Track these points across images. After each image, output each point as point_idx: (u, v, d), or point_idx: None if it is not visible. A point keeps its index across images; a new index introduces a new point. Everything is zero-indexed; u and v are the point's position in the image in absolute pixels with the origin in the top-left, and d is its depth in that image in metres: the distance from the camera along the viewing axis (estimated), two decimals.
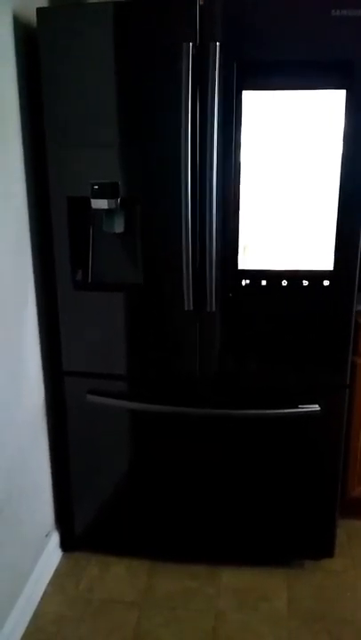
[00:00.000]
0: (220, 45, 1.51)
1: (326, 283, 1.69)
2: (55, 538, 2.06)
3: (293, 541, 2.00)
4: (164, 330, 1.81)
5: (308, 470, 1.89)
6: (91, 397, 1.87)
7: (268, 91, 1.56)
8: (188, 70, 1.52)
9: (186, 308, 1.72)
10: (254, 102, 1.57)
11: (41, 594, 1.93)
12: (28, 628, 1.81)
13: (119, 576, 2.01)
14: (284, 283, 1.70)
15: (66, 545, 2.11)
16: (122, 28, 1.58)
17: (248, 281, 1.71)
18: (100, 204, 1.68)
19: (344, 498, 2.09)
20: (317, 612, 1.85)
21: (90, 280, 1.83)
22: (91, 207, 1.69)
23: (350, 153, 1.58)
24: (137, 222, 1.74)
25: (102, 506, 2.03)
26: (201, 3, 1.53)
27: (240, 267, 1.70)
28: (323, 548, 1.99)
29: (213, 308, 1.72)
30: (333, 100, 1.55)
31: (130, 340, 1.84)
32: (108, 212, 1.73)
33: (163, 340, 1.82)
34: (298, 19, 1.52)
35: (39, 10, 1.58)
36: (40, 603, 1.90)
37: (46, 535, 2.01)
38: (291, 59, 1.55)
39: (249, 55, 1.55)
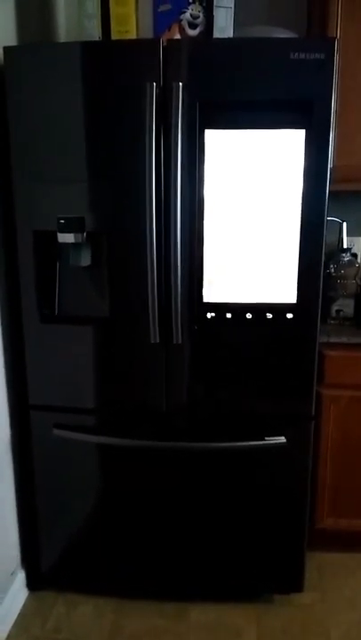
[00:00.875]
0: (183, 86, 1.56)
1: (290, 315, 1.72)
2: (21, 576, 2.01)
3: (262, 575, 1.98)
4: (131, 362, 1.81)
5: (275, 502, 1.88)
6: (57, 432, 1.85)
7: (229, 130, 1.60)
8: (152, 109, 1.56)
9: (152, 341, 1.73)
10: (217, 140, 1.61)
11: (6, 635, 1.87)
12: None
13: (86, 615, 1.97)
14: (249, 315, 1.72)
15: (32, 584, 2.06)
16: (88, 68, 1.61)
17: (213, 314, 1.73)
18: (66, 237, 1.69)
19: (313, 529, 2.09)
20: None
21: (56, 313, 1.83)
22: (57, 241, 1.70)
23: (310, 189, 1.63)
24: (103, 256, 1.76)
25: (69, 543, 1.99)
26: (165, 44, 1.58)
27: (205, 299, 1.72)
28: (292, 581, 1.97)
29: (180, 341, 1.73)
30: (293, 139, 1.60)
31: (97, 373, 1.83)
32: (75, 245, 1.74)
33: (129, 372, 1.82)
34: (258, 61, 1.57)
35: (6, 48, 1.61)
36: None
37: (12, 574, 1.96)
38: (252, 99, 1.59)
39: (211, 95, 1.60)
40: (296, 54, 1.55)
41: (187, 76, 1.58)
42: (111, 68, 1.60)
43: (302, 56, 1.55)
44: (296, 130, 1.59)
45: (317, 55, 1.55)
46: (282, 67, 1.56)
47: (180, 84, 1.55)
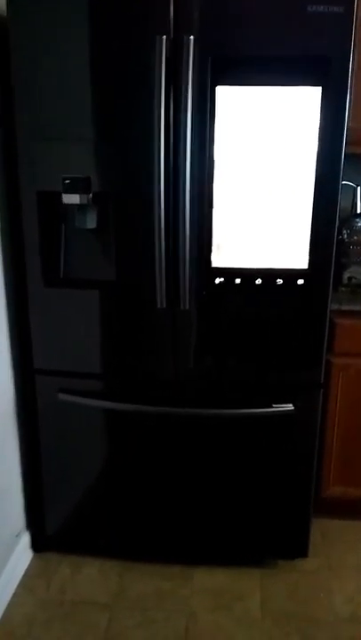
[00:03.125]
0: (195, 39, 1.49)
1: (301, 281, 1.68)
2: (26, 538, 2.03)
3: (267, 541, 1.99)
4: (137, 327, 1.78)
5: (282, 469, 1.88)
6: (62, 396, 1.83)
7: (242, 86, 1.54)
8: (162, 64, 1.49)
9: (159, 306, 1.70)
10: (229, 98, 1.55)
11: (10, 596, 1.89)
12: None
13: (91, 577, 1.99)
14: (259, 281, 1.68)
15: (37, 545, 2.07)
16: (96, 19, 1.54)
17: (222, 279, 1.69)
18: (71, 198, 1.64)
19: (319, 497, 2.09)
20: (291, 613, 1.84)
21: (61, 276, 1.79)
22: (62, 202, 1.65)
23: (326, 150, 1.57)
24: (110, 218, 1.71)
25: (74, 506, 2.00)
26: None
27: (214, 264, 1.68)
28: (297, 547, 1.98)
29: (187, 306, 1.70)
30: (309, 97, 1.53)
31: (102, 338, 1.81)
32: (81, 207, 1.70)
33: (136, 337, 1.79)
34: (274, 15, 1.49)
35: None
36: (9, 605, 1.86)
37: (16, 535, 1.98)
38: (266, 55, 1.52)
39: (224, 50, 1.53)
40: (313, 7, 1.47)
41: (198, 29, 1.50)
42: (119, 21, 1.53)
43: (320, 9, 1.48)
44: (312, 87, 1.52)
45: (336, 8, 1.47)
46: (298, 20, 1.49)
47: (192, 37, 1.48)
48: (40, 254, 1.74)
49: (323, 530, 2.19)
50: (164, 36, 1.49)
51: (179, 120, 1.54)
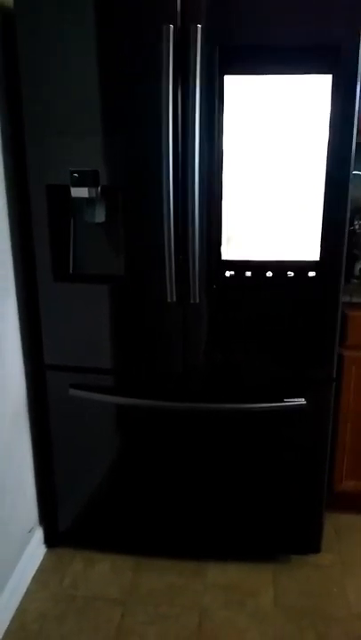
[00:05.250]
0: (202, 28, 1.47)
1: (312, 273, 1.65)
2: (39, 533, 2.03)
3: (280, 536, 1.97)
4: (148, 322, 1.77)
5: (294, 464, 1.86)
6: (73, 392, 1.83)
7: (251, 75, 1.51)
8: (169, 53, 1.47)
9: (169, 300, 1.68)
10: (237, 87, 1.52)
11: (24, 590, 1.90)
12: (10, 625, 1.77)
13: (103, 573, 1.98)
14: (269, 274, 1.66)
15: (50, 541, 2.07)
16: (102, 10, 1.52)
17: (232, 272, 1.67)
18: (80, 192, 1.63)
19: (331, 492, 2.07)
20: (304, 609, 1.83)
21: (71, 271, 1.79)
22: (71, 196, 1.64)
23: (336, 139, 1.54)
24: (119, 212, 1.70)
25: (87, 501, 2.00)
26: None
27: (224, 257, 1.66)
28: (310, 542, 1.96)
29: (197, 300, 1.69)
30: (319, 85, 1.51)
31: (112, 333, 1.80)
32: (89, 201, 1.69)
33: (146, 332, 1.78)
34: (282, 2, 1.47)
35: None
36: (23, 599, 1.87)
37: (29, 531, 1.97)
38: (275, 43, 1.50)
39: (232, 39, 1.51)
40: None
41: (206, 17, 1.48)
42: (126, 10, 1.51)
43: None
44: (322, 75, 1.50)
45: None
46: (307, 7, 1.46)
47: (199, 26, 1.46)
48: (49, 249, 1.73)
49: (336, 525, 2.17)
50: (172, 25, 1.47)
51: (187, 111, 1.52)
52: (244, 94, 1.53)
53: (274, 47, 1.50)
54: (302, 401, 1.76)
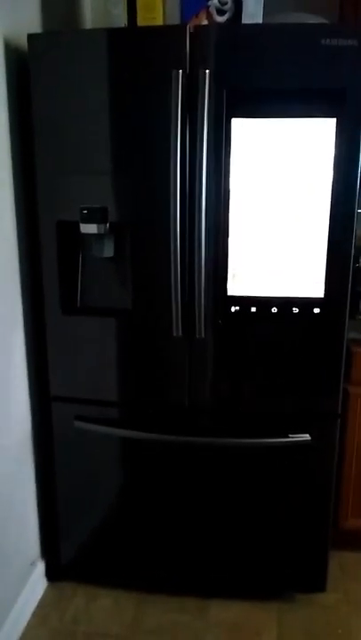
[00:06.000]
0: (210, 73, 1.52)
1: (317, 310, 1.67)
2: (40, 567, 2.02)
3: (285, 574, 1.95)
4: (154, 356, 1.79)
5: (299, 501, 1.85)
6: (78, 424, 1.84)
7: (257, 118, 1.56)
8: (178, 97, 1.52)
9: (174, 334, 1.70)
10: (244, 130, 1.57)
11: (24, 625, 1.88)
12: None
13: (105, 608, 1.96)
14: (274, 310, 1.68)
15: (51, 574, 2.06)
16: (113, 55, 1.58)
17: (238, 307, 1.69)
18: (89, 228, 1.67)
19: (337, 529, 2.05)
20: None
21: (78, 305, 1.81)
22: (80, 231, 1.68)
23: (341, 180, 1.57)
24: (127, 247, 1.73)
25: (90, 535, 1.99)
26: (191, 30, 1.54)
27: (229, 293, 1.69)
28: (314, 581, 1.93)
29: (203, 335, 1.70)
30: (324, 129, 1.55)
31: (119, 366, 1.82)
32: (98, 236, 1.72)
33: (152, 366, 1.80)
34: (288, 48, 1.52)
35: (30, 36, 1.58)
36: (23, 635, 1.84)
37: (31, 564, 1.96)
38: (281, 87, 1.54)
39: (239, 83, 1.55)
40: (328, 40, 1.50)
41: (214, 63, 1.54)
42: (137, 56, 1.56)
43: (334, 42, 1.50)
44: (327, 119, 1.54)
45: (350, 42, 1.49)
46: (313, 54, 1.51)
47: (207, 71, 1.51)
48: (58, 282, 1.76)
49: (341, 563, 2.14)
50: (181, 70, 1.52)
51: (195, 152, 1.56)
52: (251, 136, 1.57)
53: (280, 91, 1.55)
54: (307, 437, 1.75)
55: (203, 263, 1.63)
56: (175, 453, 1.85)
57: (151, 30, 1.65)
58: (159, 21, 1.77)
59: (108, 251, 1.74)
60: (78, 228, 1.68)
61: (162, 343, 1.75)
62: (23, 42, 1.59)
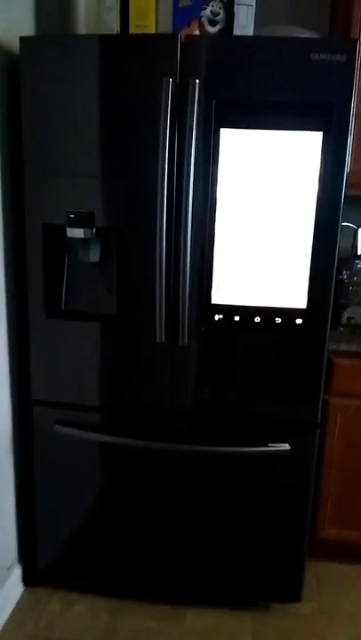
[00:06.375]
0: (200, 83, 1.53)
1: (299, 320, 1.68)
2: (17, 571, 2.00)
3: (260, 583, 1.95)
4: (136, 361, 1.79)
5: (276, 510, 1.85)
6: (59, 428, 1.83)
7: (245, 129, 1.57)
8: (167, 105, 1.53)
9: (158, 340, 1.71)
10: (232, 140, 1.58)
11: None
12: None
13: (81, 614, 1.95)
14: (258, 319, 1.69)
15: (28, 579, 2.04)
16: (104, 61, 1.59)
17: (221, 316, 1.70)
18: (75, 232, 1.67)
19: (314, 539, 2.06)
20: None
21: (63, 308, 1.81)
22: (66, 236, 1.68)
23: (326, 192, 1.59)
24: (113, 252, 1.74)
25: (67, 540, 1.97)
26: (183, 40, 1.55)
27: (213, 301, 1.69)
28: (290, 591, 1.94)
29: (186, 342, 1.71)
30: (310, 142, 1.57)
31: (101, 371, 1.81)
32: (84, 241, 1.72)
33: (134, 371, 1.80)
34: (277, 61, 1.53)
35: (22, 39, 1.59)
36: None
37: (8, 568, 1.95)
38: (269, 99, 1.56)
39: (228, 94, 1.57)
40: (317, 55, 1.52)
41: (204, 73, 1.55)
42: (128, 63, 1.57)
43: (323, 57, 1.52)
44: (313, 132, 1.56)
45: (339, 57, 1.52)
46: (302, 67, 1.53)
47: (197, 80, 1.53)
48: (43, 286, 1.76)
49: (317, 573, 2.15)
50: (171, 79, 1.53)
51: (182, 160, 1.57)
52: (239, 146, 1.59)
53: (268, 103, 1.57)
54: (286, 446, 1.76)
55: (188, 271, 1.64)
56: (155, 460, 1.85)
57: (143, 38, 1.66)
58: (151, 29, 1.78)
59: (94, 255, 1.74)
60: (65, 231, 1.68)
61: (145, 349, 1.76)
62: (15, 44, 1.59)
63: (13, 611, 1.94)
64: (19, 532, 2.00)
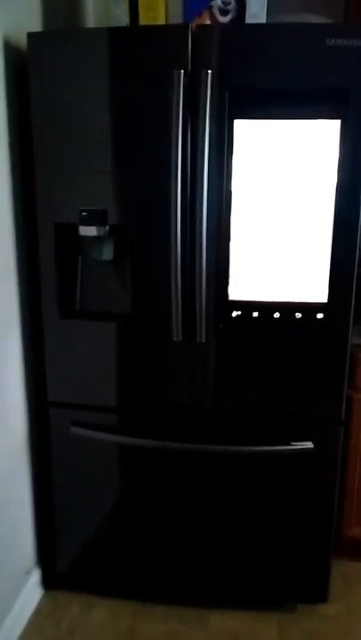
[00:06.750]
0: (212, 73, 1.49)
1: (320, 315, 1.64)
2: (36, 575, 1.98)
3: (286, 584, 1.91)
4: (153, 361, 1.75)
5: (301, 509, 1.81)
6: (75, 429, 1.80)
7: (260, 120, 1.53)
8: (180, 98, 1.49)
9: (175, 339, 1.67)
10: (246, 131, 1.54)
11: (19, 634, 1.84)
12: None
13: (101, 618, 1.92)
14: (277, 314, 1.65)
15: (47, 583, 2.02)
16: (114, 55, 1.55)
17: (239, 312, 1.66)
18: (88, 230, 1.64)
19: (340, 538, 2.01)
20: None
21: (77, 308, 1.78)
22: (79, 234, 1.65)
23: (345, 183, 1.54)
24: (126, 250, 1.70)
25: (86, 543, 1.95)
26: (194, 30, 1.51)
27: (231, 297, 1.65)
28: (316, 591, 1.90)
29: (203, 339, 1.67)
30: (328, 130, 1.52)
31: (117, 371, 1.78)
32: (97, 239, 1.69)
33: (151, 371, 1.77)
34: (292, 48, 1.49)
35: (30, 35, 1.56)
36: None
37: (26, 572, 1.93)
38: (284, 88, 1.51)
39: (241, 84, 1.52)
40: (333, 41, 1.47)
41: (217, 63, 1.51)
42: (138, 55, 1.54)
43: (339, 42, 1.47)
44: (331, 120, 1.51)
45: (355, 42, 1.46)
46: (317, 54, 1.48)
47: (210, 71, 1.49)
48: (56, 285, 1.73)
49: (344, 573, 2.10)
50: (182, 71, 1.49)
51: (196, 153, 1.53)
52: (254, 137, 1.54)
53: (283, 92, 1.52)
54: (310, 444, 1.72)
55: (204, 267, 1.60)
56: (175, 460, 1.81)
57: (153, 30, 1.62)
58: (161, 21, 1.75)
59: (108, 253, 1.71)
60: (77, 230, 1.65)
61: (162, 348, 1.72)
62: (23, 41, 1.57)
63: (33, 615, 1.92)
64: (36, 535, 1.97)
